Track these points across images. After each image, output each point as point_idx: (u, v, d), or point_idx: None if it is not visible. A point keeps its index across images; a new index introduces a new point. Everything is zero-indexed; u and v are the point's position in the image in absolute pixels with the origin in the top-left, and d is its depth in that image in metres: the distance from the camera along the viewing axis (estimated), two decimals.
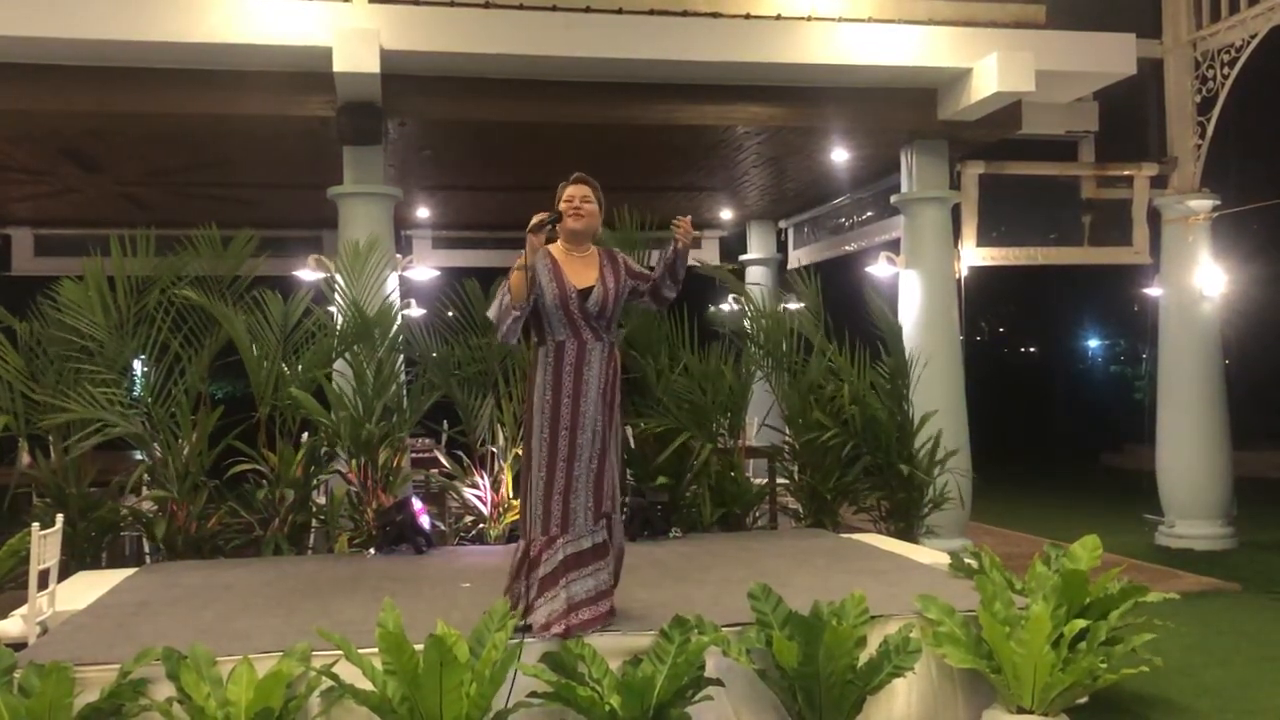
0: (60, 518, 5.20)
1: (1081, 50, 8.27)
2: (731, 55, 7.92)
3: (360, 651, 4.06)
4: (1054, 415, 22.36)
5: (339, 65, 6.95)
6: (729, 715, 4.38)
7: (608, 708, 3.98)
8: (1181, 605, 6.40)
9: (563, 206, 4.62)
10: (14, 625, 4.80)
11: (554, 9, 7.77)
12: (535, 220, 4.52)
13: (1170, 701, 5.29)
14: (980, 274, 9.47)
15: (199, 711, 3.73)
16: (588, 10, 7.83)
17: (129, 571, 6.14)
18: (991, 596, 4.62)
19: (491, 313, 4.67)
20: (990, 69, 7.82)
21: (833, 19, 8.20)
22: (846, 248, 11.64)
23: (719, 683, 4.26)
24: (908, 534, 7.42)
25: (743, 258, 13.59)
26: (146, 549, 7.26)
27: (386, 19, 7.22)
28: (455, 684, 3.79)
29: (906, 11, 8.36)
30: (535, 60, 7.69)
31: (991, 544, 9.63)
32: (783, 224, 13.36)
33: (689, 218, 4.74)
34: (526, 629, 4.39)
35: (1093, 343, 26.67)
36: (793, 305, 12.98)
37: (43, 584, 4.96)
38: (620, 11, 7.91)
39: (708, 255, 13.81)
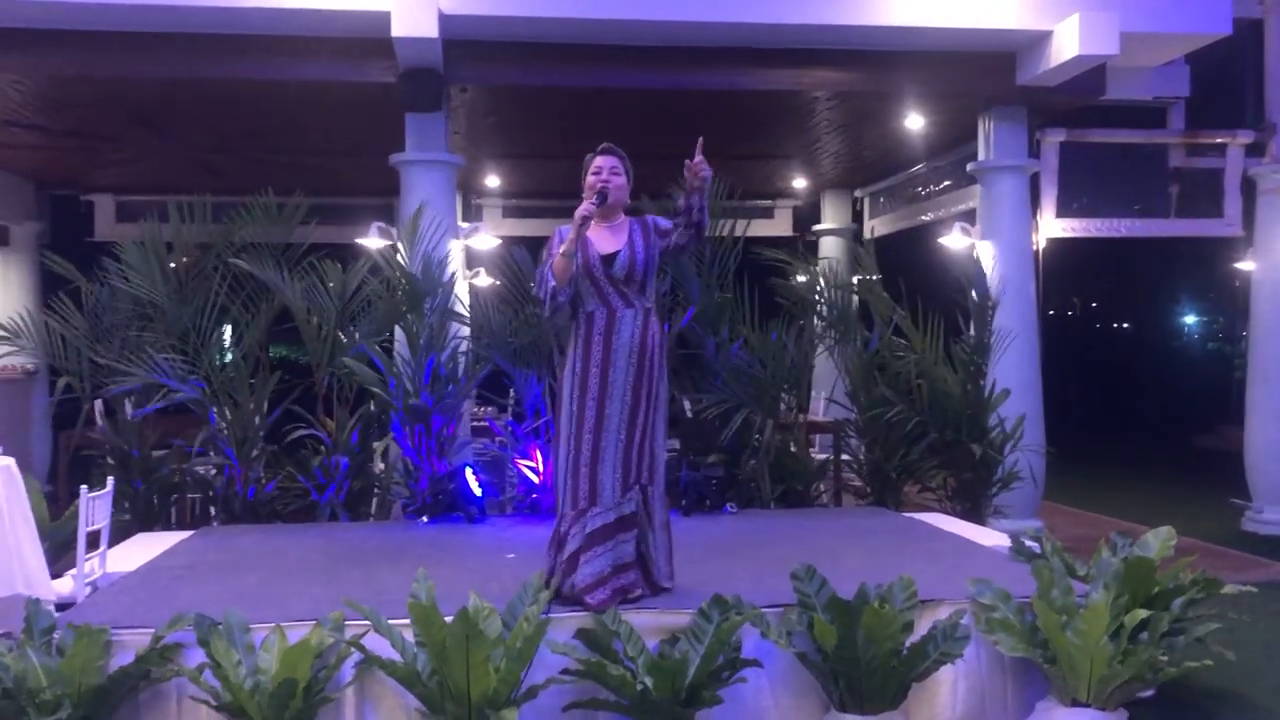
0: (110, 480, 5.26)
1: (1171, 10, 7.82)
2: (801, 18, 7.66)
3: (393, 622, 4.03)
4: (1144, 394, 21.62)
5: (397, 30, 6.88)
6: (768, 698, 4.26)
7: (640, 687, 3.88)
8: (1265, 597, 6.06)
9: (590, 179, 4.51)
10: (65, 585, 4.87)
11: None
12: (582, 213, 4.40)
13: (1243, 697, 5.03)
14: (1072, 246, 9.11)
15: (225, 679, 3.72)
16: None
17: (186, 534, 6.22)
18: (1049, 583, 4.40)
19: (538, 292, 4.58)
20: (1071, 31, 7.45)
21: None
22: (923, 218, 11.31)
23: (757, 664, 4.14)
24: (974, 514, 7.19)
25: (816, 228, 13.31)
26: (213, 512, 7.37)
27: None
28: (482, 659, 3.72)
29: None
30: (598, 25, 7.52)
31: (1066, 525, 9.38)
32: (858, 193, 13.03)
33: (699, 159, 4.50)
34: (559, 602, 4.33)
35: (1190, 319, 25.74)
36: (873, 277, 12.74)
37: (95, 545, 5.03)
38: None
39: (780, 225, 13.57)
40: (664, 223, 4.69)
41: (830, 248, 13.00)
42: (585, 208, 4.45)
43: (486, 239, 9.62)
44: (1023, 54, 8.12)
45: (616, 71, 8.04)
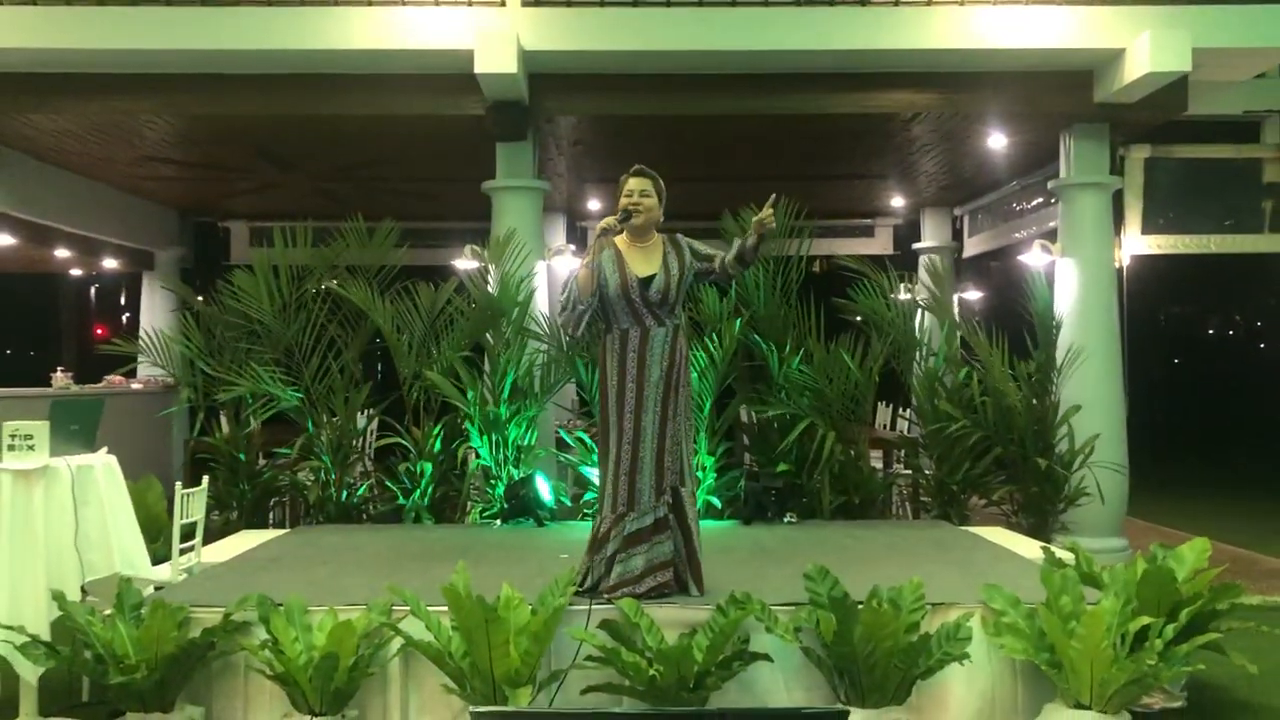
0: (205, 479, 5.85)
1: (1250, 25, 7.75)
2: (880, 43, 7.85)
3: (434, 609, 4.44)
4: None
5: (480, 67, 7.37)
6: (780, 690, 4.52)
7: (651, 673, 4.21)
8: None
9: (622, 201, 4.87)
10: (164, 572, 5.45)
11: (700, 4, 7.95)
12: (603, 224, 4.81)
13: (1275, 710, 5.03)
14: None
15: (279, 652, 4.20)
16: (733, 4, 7.97)
17: (282, 532, 6.81)
18: (1059, 590, 4.55)
19: (557, 304, 4.98)
20: (1142, 49, 7.48)
21: (987, 1, 8.02)
22: (1017, 235, 11.31)
23: (767, 658, 4.41)
24: (1041, 530, 7.24)
25: (916, 245, 13.37)
26: (316, 512, 8.00)
27: (527, 21, 7.61)
28: (501, 642, 4.11)
29: None
30: (677, 55, 7.86)
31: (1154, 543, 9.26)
32: (958, 211, 13.06)
33: (770, 214, 4.85)
34: (587, 595, 4.69)
35: None
36: (970, 295, 12.76)
37: (191, 536, 5.62)
38: (766, 4, 8.01)
39: (881, 243, 13.69)
40: (701, 248, 5.03)
41: (929, 266, 13.05)
42: (606, 221, 4.83)
43: (568, 261, 10.07)
44: (1099, 72, 8.15)
45: (698, 99, 8.36)
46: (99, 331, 21.60)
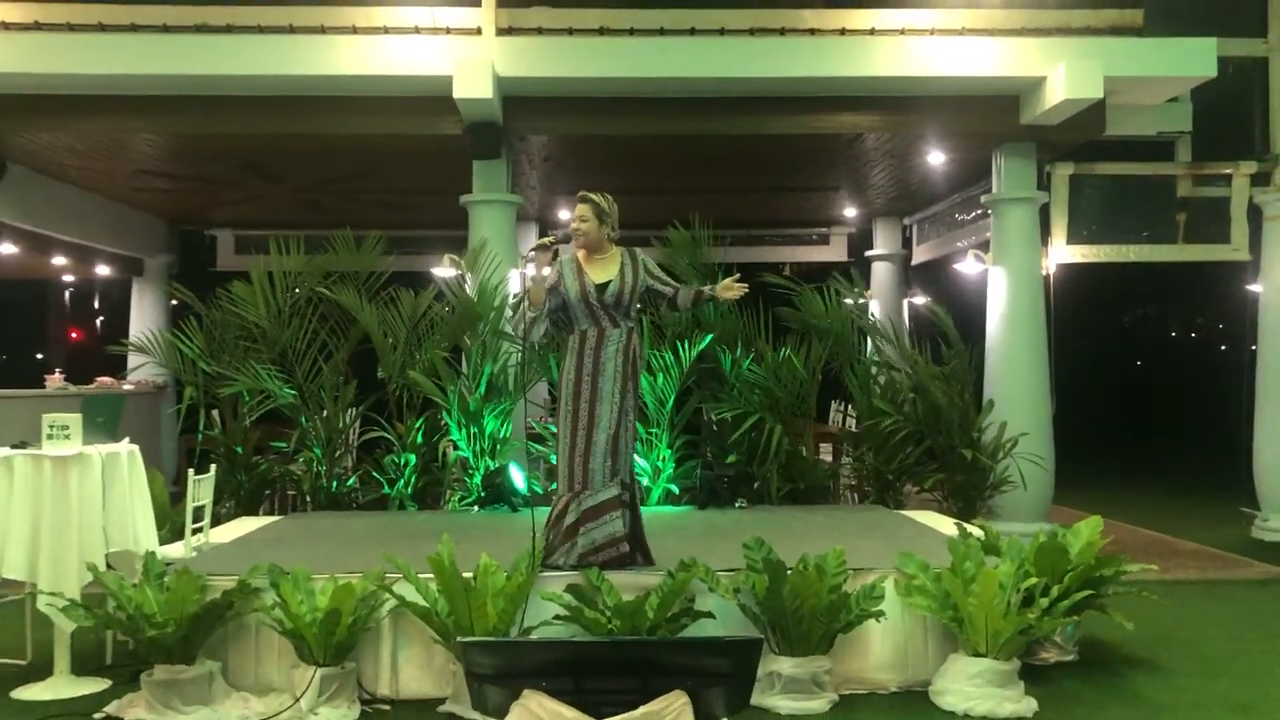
0: (214, 467, 6.49)
1: (1163, 55, 8.52)
2: (827, 69, 8.55)
3: (422, 576, 5.12)
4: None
5: (458, 92, 8.04)
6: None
7: (609, 628, 4.90)
8: (1234, 590, 7.58)
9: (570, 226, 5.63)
10: (177, 549, 6.09)
11: (661, 32, 8.65)
12: (534, 245, 5.56)
13: (1157, 664, 5.76)
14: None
15: (289, 612, 4.86)
16: (692, 32, 8.68)
17: (278, 518, 7.46)
18: (962, 557, 5.29)
19: (513, 322, 5.70)
20: (1060, 78, 8.25)
21: (925, 31, 8.77)
22: (959, 244, 12.09)
23: (710, 615, 5.11)
24: (968, 514, 7.98)
25: (869, 253, 14.14)
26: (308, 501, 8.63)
27: (502, 49, 8.29)
28: (480, 604, 4.81)
29: (1000, 21, 8.81)
30: (638, 81, 8.53)
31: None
32: (907, 221, 13.85)
33: (743, 287, 5.64)
34: (553, 568, 5.38)
35: None
36: (917, 300, 13.54)
37: (200, 518, 6.26)
38: (722, 32, 8.72)
39: (836, 251, 14.46)
40: (657, 270, 5.76)
41: (880, 272, 13.83)
42: (542, 240, 5.65)
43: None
44: (1025, 97, 8.91)
45: (660, 120, 9.04)
46: (73, 335, 22.00)
